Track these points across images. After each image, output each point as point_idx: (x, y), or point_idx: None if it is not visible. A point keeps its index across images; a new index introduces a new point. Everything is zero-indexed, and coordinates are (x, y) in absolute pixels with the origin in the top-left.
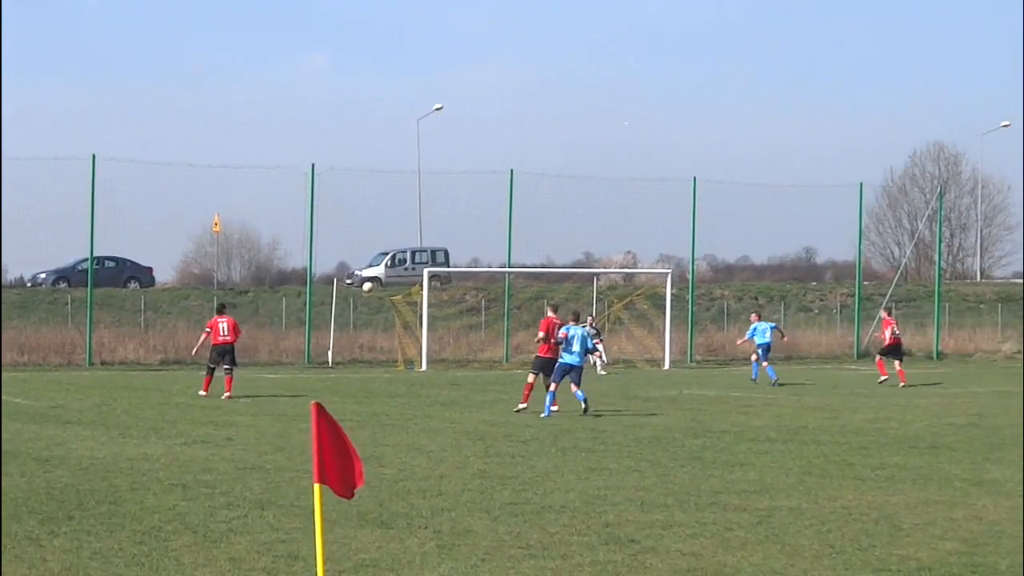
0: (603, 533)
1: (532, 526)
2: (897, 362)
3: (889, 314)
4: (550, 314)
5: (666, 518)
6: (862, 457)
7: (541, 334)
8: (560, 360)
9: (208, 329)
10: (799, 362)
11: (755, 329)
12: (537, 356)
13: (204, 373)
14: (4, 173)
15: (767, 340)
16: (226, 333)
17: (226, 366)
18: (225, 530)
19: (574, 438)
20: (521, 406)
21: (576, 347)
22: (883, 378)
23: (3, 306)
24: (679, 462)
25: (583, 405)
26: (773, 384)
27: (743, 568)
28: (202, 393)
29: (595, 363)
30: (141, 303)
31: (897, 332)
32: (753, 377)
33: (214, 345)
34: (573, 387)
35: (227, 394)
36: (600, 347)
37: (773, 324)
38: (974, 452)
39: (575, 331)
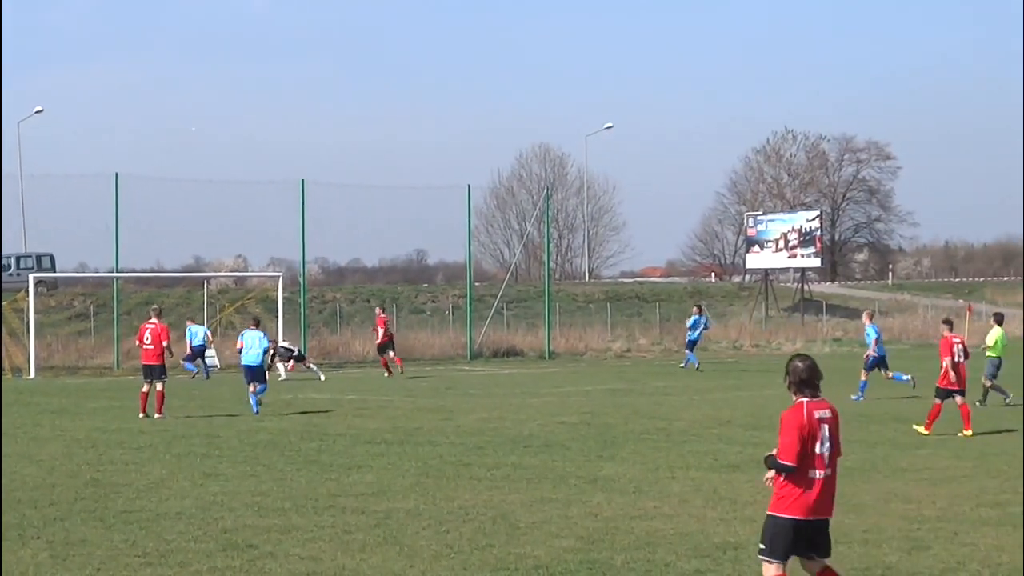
0: (221, 539)
1: (148, 534)
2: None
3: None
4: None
5: (284, 522)
6: (478, 457)
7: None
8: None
9: None
10: (413, 363)
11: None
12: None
13: None
14: None
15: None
16: None
17: None
18: None
19: (188, 444)
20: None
21: (257, 349)
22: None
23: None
24: (295, 466)
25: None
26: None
27: (362, 570)
28: None
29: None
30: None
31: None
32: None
33: None
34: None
35: None
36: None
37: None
38: (587, 450)
39: (252, 335)
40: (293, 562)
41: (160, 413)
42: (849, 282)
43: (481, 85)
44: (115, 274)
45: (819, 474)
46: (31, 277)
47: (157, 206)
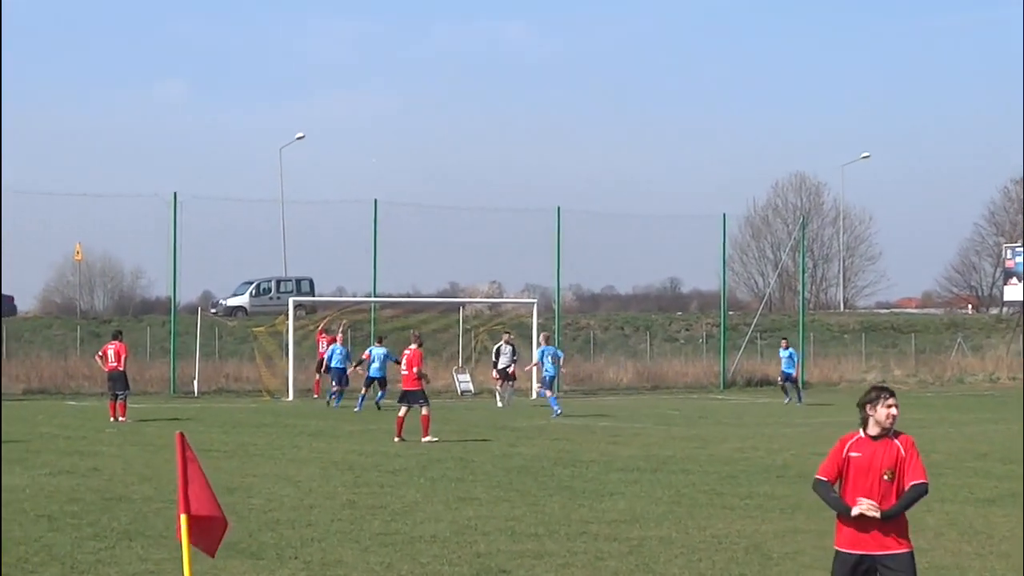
0: (474, 563)
1: (403, 556)
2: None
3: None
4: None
5: (537, 548)
6: (731, 486)
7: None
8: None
9: (101, 355)
10: (666, 392)
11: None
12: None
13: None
14: None
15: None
16: (112, 360)
17: (116, 392)
18: (93, 561)
19: (443, 468)
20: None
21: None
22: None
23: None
24: (548, 492)
25: None
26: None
27: None
28: (111, 419)
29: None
30: (2, 332)
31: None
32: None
33: (106, 371)
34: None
35: (121, 419)
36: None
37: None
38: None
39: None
40: None
41: (427, 435)
42: None
43: (738, 113)
44: (372, 299)
45: None
46: (291, 301)
47: (414, 231)
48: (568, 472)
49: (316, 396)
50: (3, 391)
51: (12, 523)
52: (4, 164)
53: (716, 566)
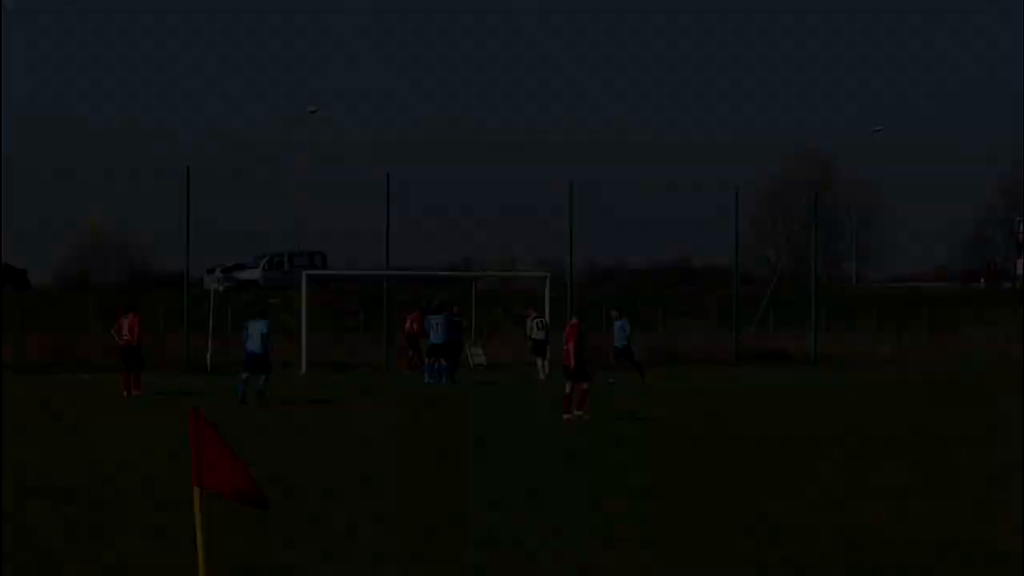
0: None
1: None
2: None
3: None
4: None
5: (550, 522)
6: (745, 460)
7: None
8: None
9: (116, 329)
10: (679, 365)
11: None
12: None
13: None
14: None
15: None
16: (127, 333)
17: (130, 365)
18: (106, 534)
19: (454, 441)
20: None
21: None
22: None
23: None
24: (562, 465)
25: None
26: None
27: None
28: (124, 393)
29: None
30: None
31: None
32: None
33: (120, 345)
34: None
35: (135, 392)
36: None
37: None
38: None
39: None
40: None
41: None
42: None
43: (750, 86)
44: (385, 272)
45: None
46: (304, 274)
47: (427, 205)
48: (581, 446)
49: (407, 372)
50: (17, 364)
51: (23, 498)
52: (19, 136)
53: (729, 540)
